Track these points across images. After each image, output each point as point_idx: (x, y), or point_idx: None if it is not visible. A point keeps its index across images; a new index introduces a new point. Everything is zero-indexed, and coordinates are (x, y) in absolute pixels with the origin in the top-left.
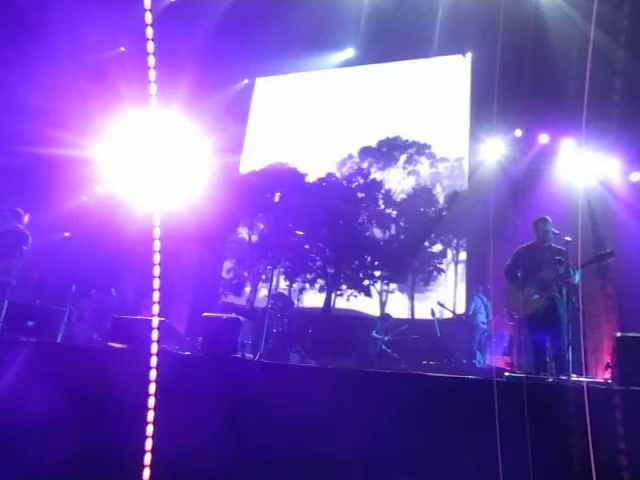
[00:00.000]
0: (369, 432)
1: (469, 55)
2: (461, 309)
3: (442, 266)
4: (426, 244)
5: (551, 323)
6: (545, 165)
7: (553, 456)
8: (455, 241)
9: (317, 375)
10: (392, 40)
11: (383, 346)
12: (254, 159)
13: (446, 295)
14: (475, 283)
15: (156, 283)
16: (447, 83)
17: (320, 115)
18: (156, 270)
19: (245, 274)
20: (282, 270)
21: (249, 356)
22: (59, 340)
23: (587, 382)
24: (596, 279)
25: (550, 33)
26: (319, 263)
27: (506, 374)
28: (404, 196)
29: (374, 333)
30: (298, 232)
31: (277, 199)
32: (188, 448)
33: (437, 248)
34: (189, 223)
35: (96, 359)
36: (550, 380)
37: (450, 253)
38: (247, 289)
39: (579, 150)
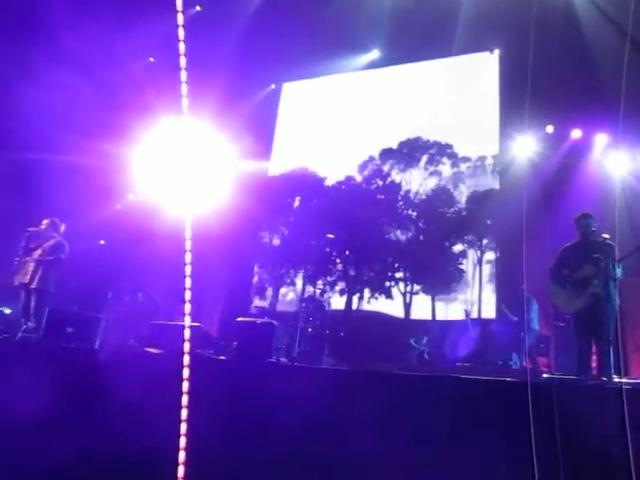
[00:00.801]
0: (403, 435)
1: (497, 52)
2: (488, 311)
3: (463, 267)
4: (446, 244)
5: (595, 321)
6: (578, 161)
7: (592, 462)
8: (480, 241)
9: (351, 379)
10: (417, 40)
11: (420, 349)
12: (282, 164)
13: (471, 296)
14: (508, 284)
15: (188, 282)
16: (473, 81)
17: (344, 118)
18: (187, 269)
19: (265, 277)
20: (303, 273)
21: (283, 360)
22: (97, 346)
23: (629, 383)
24: (636, 275)
25: (582, 26)
26: (340, 266)
27: (544, 376)
28: (424, 197)
29: (412, 342)
30: (329, 235)
31: (297, 203)
32: (225, 452)
33: (458, 248)
34: (219, 229)
35: (135, 364)
36: (591, 382)
37: (473, 254)
38: (269, 292)
39: (614, 145)
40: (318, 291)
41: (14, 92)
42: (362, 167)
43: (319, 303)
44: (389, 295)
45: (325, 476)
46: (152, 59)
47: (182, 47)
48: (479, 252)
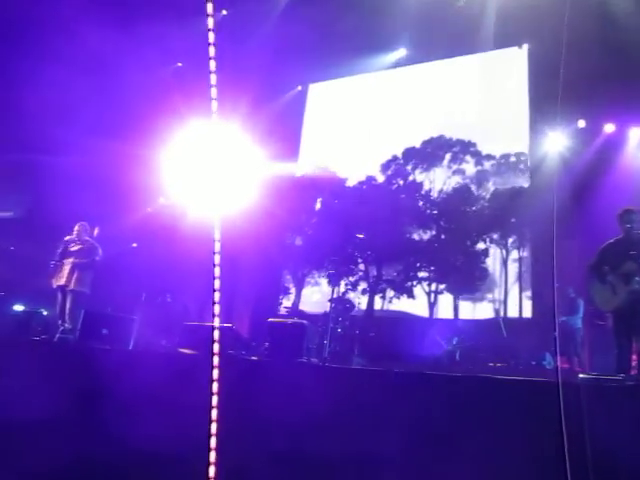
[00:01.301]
0: (432, 436)
1: (525, 46)
2: (515, 310)
3: (486, 265)
4: (468, 243)
5: (635, 320)
6: (611, 156)
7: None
8: (505, 240)
9: (384, 380)
10: (444, 37)
11: (449, 348)
12: (309, 165)
13: (499, 296)
14: (542, 284)
15: (217, 283)
16: (500, 77)
17: (370, 118)
18: (216, 271)
19: (288, 277)
20: (326, 274)
21: (314, 360)
22: (131, 347)
23: None
24: None
25: (615, 16)
26: (362, 266)
27: (581, 376)
28: (445, 196)
29: (441, 339)
30: (358, 235)
31: (319, 205)
32: (257, 452)
33: (481, 247)
34: (248, 231)
35: (169, 365)
36: (630, 383)
37: (500, 252)
38: (292, 293)
39: None
40: (342, 290)
41: (48, 97)
42: (385, 167)
43: (348, 303)
44: (411, 295)
45: (362, 478)
46: (180, 64)
47: (212, 50)
48: (504, 251)
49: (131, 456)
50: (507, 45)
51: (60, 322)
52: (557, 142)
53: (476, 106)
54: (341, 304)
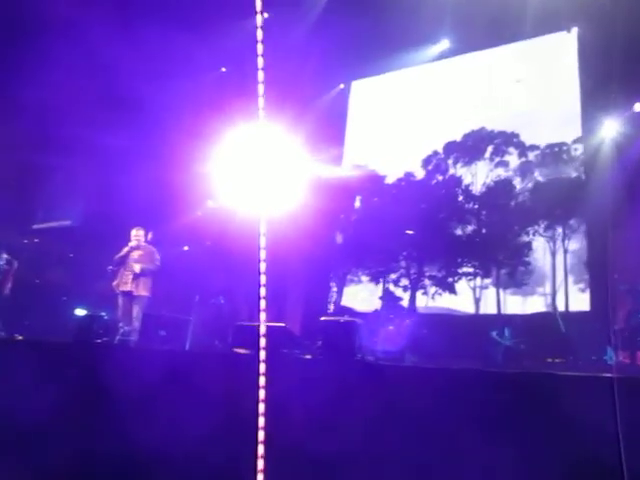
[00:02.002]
0: (497, 437)
1: (575, 30)
2: (570, 304)
3: (529, 259)
4: (509, 237)
5: None
6: None
7: None
8: (553, 232)
9: (439, 377)
10: (487, 25)
11: (505, 344)
12: (353, 163)
13: (550, 289)
14: (598, 277)
15: (262, 279)
16: (548, 64)
17: (413, 112)
18: (262, 266)
19: (331, 276)
20: (366, 272)
21: (369, 358)
22: (187, 347)
23: None
24: None
25: None
26: (402, 263)
27: None
28: (484, 190)
29: (494, 335)
30: (408, 231)
31: (358, 203)
32: (313, 452)
33: (524, 240)
34: (296, 231)
35: (225, 365)
36: None
37: (547, 245)
38: (334, 290)
39: None
40: (390, 287)
41: (97, 103)
42: (426, 162)
43: (399, 300)
44: (453, 291)
45: None
46: (224, 69)
47: (260, 48)
48: (552, 244)
49: (192, 453)
50: (554, 30)
51: (121, 325)
52: (611, 128)
53: (523, 95)
54: (392, 301)
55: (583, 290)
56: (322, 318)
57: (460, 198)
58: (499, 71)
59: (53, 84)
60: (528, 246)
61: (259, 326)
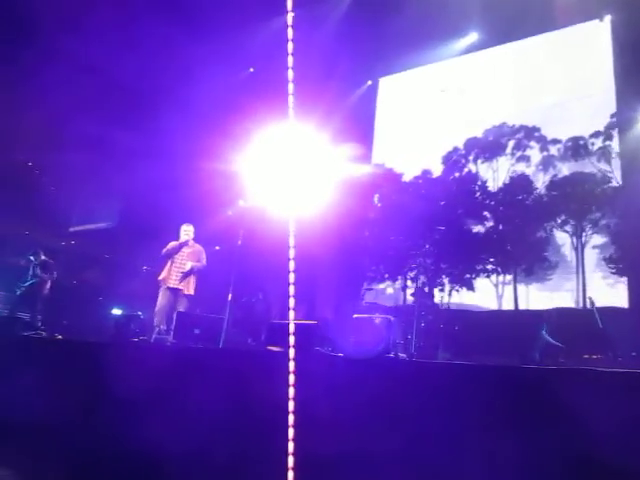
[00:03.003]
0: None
1: (608, 18)
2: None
3: (549, 254)
4: (527, 232)
5: None
6: None
7: None
8: (576, 226)
9: (473, 373)
10: (517, 16)
11: (548, 338)
12: (379, 160)
13: (577, 284)
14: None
15: (291, 277)
16: (580, 53)
17: (440, 107)
18: (291, 265)
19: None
20: (384, 268)
21: (402, 356)
22: (221, 345)
23: None
24: None
25: None
26: (420, 260)
27: None
28: (502, 185)
29: (544, 333)
30: (439, 227)
31: (376, 200)
32: (346, 450)
33: (542, 235)
34: (326, 229)
35: (258, 362)
36: None
37: (572, 240)
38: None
39: None
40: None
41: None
42: (446, 158)
43: (430, 297)
44: (471, 287)
45: None
46: (252, 69)
47: (290, 47)
48: (574, 238)
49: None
50: (586, 19)
51: (156, 323)
52: None
53: (554, 87)
54: (424, 298)
55: (612, 286)
56: (355, 316)
57: (477, 194)
58: (529, 63)
59: (87, 85)
60: (547, 241)
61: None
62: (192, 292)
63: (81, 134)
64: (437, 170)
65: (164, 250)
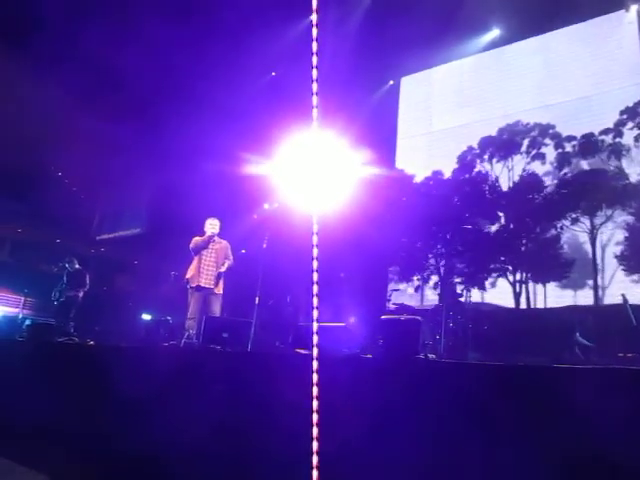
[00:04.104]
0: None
1: (634, 8)
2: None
3: (564, 251)
4: (538, 230)
5: None
6: None
7: None
8: (591, 224)
9: (505, 374)
10: (539, 9)
11: (579, 338)
12: (405, 161)
13: (602, 282)
14: None
15: (315, 276)
16: (605, 45)
17: (461, 104)
18: (314, 264)
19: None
20: (397, 269)
21: (431, 356)
22: (249, 349)
23: None
24: None
25: None
26: (432, 260)
27: None
28: (511, 184)
29: (578, 336)
30: (466, 227)
31: (389, 202)
32: (376, 453)
33: (553, 233)
34: (351, 230)
35: (286, 365)
36: None
37: (588, 237)
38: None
39: None
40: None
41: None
42: (461, 158)
43: (458, 296)
44: (482, 287)
45: None
46: (274, 73)
47: (315, 46)
48: (589, 235)
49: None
50: (611, 10)
51: (189, 326)
52: None
53: (579, 81)
54: (452, 297)
55: (637, 282)
56: (383, 317)
57: (487, 194)
58: (553, 57)
59: (113, 93)
60: (558, 239)
61: (320, 326)
62: (222, 291)
63: (110, 141)
64: (448, 171)
65: (191, 246)
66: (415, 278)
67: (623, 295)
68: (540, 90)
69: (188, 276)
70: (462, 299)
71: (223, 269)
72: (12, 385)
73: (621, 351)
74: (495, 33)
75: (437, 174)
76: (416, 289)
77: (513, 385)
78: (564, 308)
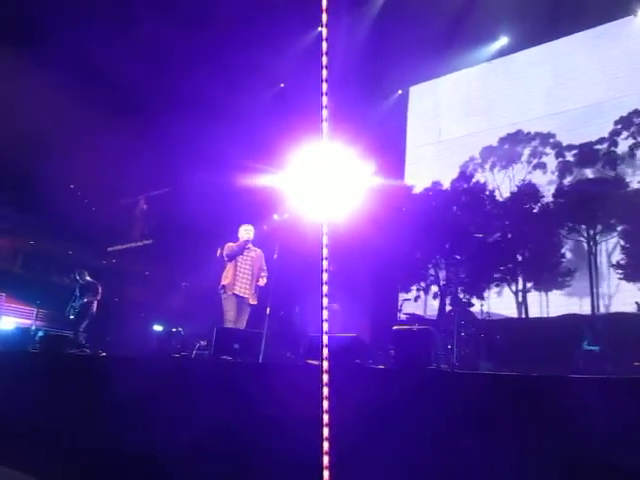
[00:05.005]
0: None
1: None
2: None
3: (563, 260)
4: (536, 239)
5: None
6: None
7: None
8: (587, 232)
9: (522, 385)
10: (547, 17)
11: (587, 346)
12: (417, 170)
13: (607, 290)
14: None
15: (325, 289)
16: (613, 51)
17: (468, 113)
18: (324, 276)
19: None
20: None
21: (444, 367)
22: (261, 360)
23: None
24: None
25: None
26: (431, 270)
27: None
28: (509, 194)
29: (585, 345)
30: (477, 235)
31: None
32: (389, 466)
33: (553, 241)
34: (360, 241)
35: (299, 377)
36: None
37: (584, 246)
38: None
39: None
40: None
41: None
42: (463, 167)
43: (468, 306)
44: (481, 296)
45: None
46: (282, 84)
47: (325, 60)
48: (586, 244)
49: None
50: (619, 16)
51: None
52: None
53: (588, 88)
54: (463, 307)
55: None
56: (394, 327)
57: (485, 204)
58: (561, 64)
59: (116, 102)
60: (558, 247)
61: (331, 337)
62: (255, 302)
63: (121, 152)
64: (446, 181)
65: (226, 252)
66: (414, 288)
67: (637, 303)
68: (549, 98)
69: (224, 283)
70: (472, 308)
71: (261, 283)
72: (25, 396)
73: (636, 359)
74: (503, 41)
75: (436, 184)
76: (415, 299)
77: (528, 396)
78: (572, 315)
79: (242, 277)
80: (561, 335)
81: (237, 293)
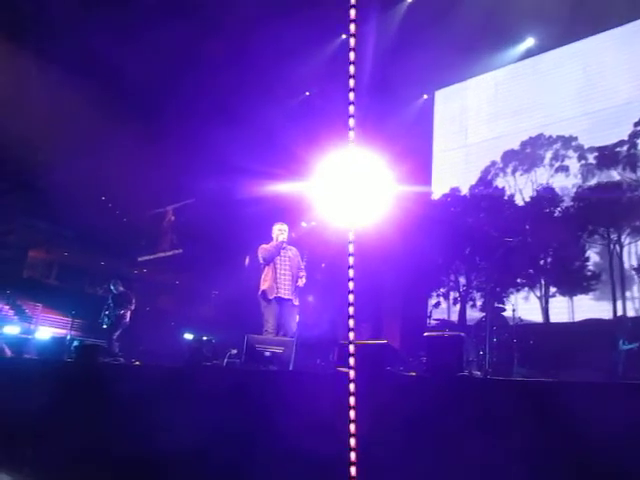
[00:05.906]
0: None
1: None
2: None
3: (588, 264)
4: (555, 245)
5: None
6: None
7: None
8: (608, 236)
9: (554, 391)
10: (574, 17)
11: (624, 346)
12: (442, 175)
13: (604, 295)
14: None
15: (351, 298)
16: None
17: (494, 116)
18: (350, 285)
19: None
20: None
21: (477, 374)
22: (291, 367)
23: None
24: None
25: None
26: (452, 276)
27: None
28: (528, 199)
29: (621, 345)
30: (507, 239)
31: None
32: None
33: (573, 246)
34: (388, 247)
35: (328, 384)
36: None
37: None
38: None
39: None
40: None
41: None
42: (484, 172)
43: (501, 310)
44: (501, 301)
45: None
46: (308, 93)
47: (352, 41)
48: (611, 247)
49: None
50: None
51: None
52: None
53: (620, 87)
54: (495, 312)
55: None
56: (426, 333)
57: (505, 209)
58: (591, 63)
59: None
60: (581, 252)
61: (363, 345)
62: (299, 302)
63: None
64: (465, 186)
65: (263, 255)
66: (434, 294)
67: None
68: (579, 97)
69: (264, 287)
70: (505, 313)
71: (301, 284)
72: (60, 405)
73: None
74: (530, 42)
75: (455, 190)
76: (436, 305)
77: (563, 402)
78: (600, 320)
79: (283, 279)
80: (594, 338)
81: (281, 296)
